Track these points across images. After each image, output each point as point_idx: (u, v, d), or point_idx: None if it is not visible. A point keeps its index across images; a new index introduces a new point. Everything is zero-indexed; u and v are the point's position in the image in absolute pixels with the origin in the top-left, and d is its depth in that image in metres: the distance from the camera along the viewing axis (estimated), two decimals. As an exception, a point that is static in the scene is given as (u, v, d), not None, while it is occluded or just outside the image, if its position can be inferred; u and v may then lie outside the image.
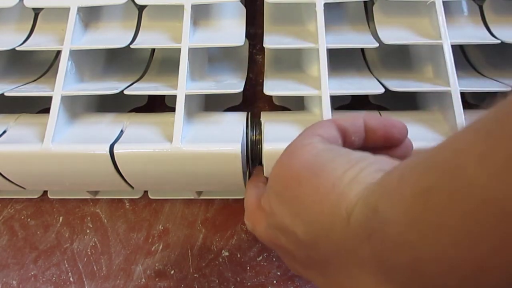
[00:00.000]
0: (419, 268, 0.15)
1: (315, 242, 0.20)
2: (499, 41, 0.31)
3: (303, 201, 0.20)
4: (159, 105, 0.39)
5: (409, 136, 0.28)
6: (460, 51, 0.38)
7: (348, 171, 0.19)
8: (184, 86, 0.30)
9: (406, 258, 0.15)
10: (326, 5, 0.31)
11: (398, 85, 0.31)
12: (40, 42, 0.34)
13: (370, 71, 0.35)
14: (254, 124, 0.31)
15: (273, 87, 0.31)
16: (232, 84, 0.34)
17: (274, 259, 0.33)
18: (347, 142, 0.24)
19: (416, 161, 0.16)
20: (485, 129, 0.13)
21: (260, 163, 0.29)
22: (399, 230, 0.15)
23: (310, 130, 0.23)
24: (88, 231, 0.35)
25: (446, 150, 0.15)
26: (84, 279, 0.33)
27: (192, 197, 0.36)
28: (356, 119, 0.24)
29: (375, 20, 0.33)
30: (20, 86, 0.34)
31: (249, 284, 0.32)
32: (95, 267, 0.33)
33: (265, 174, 0.29)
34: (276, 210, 0.21)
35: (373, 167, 0.19)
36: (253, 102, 0.39)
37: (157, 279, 0.33)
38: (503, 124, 0.13)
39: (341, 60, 0.35)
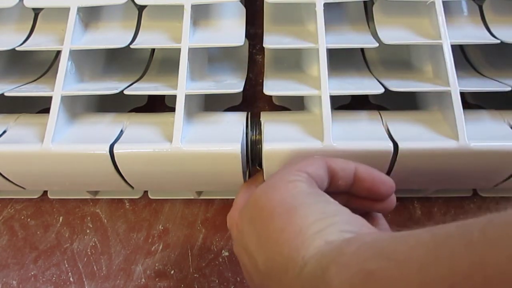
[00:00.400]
0: None
1: (269, 277, 0.20)
2: (499, 41, 0.31)
3: (270, 236, 0.20)
4: (159, 105, 0.39)
5: (409, 136, 0.29)
6: (460, 51, 0.38)
7: (317, 222, 0.20)
8: (184, 86, 0.30)
9: None
10: (326, 5, 0.31)
11: (398, 85, 0.31)
12: (40, 42, 0.34)
13: (370, 71, 0.35)
14: (254, 124, 0.31)
15: (273, 87, 0.31)
16: (232, 84, 0.34)
17: (274, 259, 0.33)
18: (333, 184, 0.24)
19: (374, 242, 0.17)
20: (439, 241, 0.15)
21: (260, 163, 0.29)
22: None
23: (300, 166, 0.23)
24: (88, 231, 0.35)
25: (401, 244, 0.16)
26: (84, 279, 0.33)
27: (192, 197, 0.36)
28: (348, 166, 0.24)
29: (375, 20, 0.33)
30: (20, 86, 0.34)
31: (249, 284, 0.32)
32: (95, 267, 0.33)
33: (264, 176, 0.29)
34: (245, 233, 0.22)
35: (340, 227, 0.19)
36: (253, 102, 0.39)
37: (157, 279, 0.33)
38: (452, 243, 0.15)
39: (341, 60, 0.35)
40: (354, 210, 0.23)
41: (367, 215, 0.26)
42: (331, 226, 0.19)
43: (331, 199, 0.22)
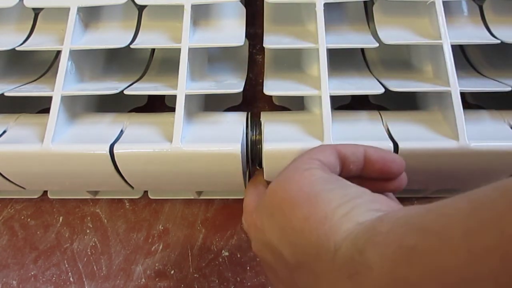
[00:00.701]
0: None
1: (299, 267, 0.20)
2: (499, 41, 0.31)
3: (294, 226, 0.20)
4: (159, 105, 0.39)
5: (409, 136, 0.29)
6: (460, 51, 0.38)
7: (342, 206, 0.19)
8: (184, 86, 0.30)
9: None
10: (326, 5, 0.31)
11: (398, 85, 0.31)
12: (40, 42, 0.34)
13: (370, 71, 0.35)
14: (254, 124, 0.31)
15: (273, 87, 0.31)
16: (232, 84, 0.34)
17: (274, 259, 0.33)
18: (345, 169, 0.24)
19: (408, 216, 0.17)
20: (479, 206, 0.14)
21: (260, 163, 0.29)
22: (381, 279, 0.16)
23: (311, 154, 0.23)
24: (88, 231, 0.35)
25: (437, 214, 0.15)
26: (84, 279, 0.33)
27: (192, 197, 0.36)
28: (357, 149, 0.24)
29: (375, 20, 0.33)
30: (20, 86, 0.34)
31: (249, 284, 0.32)
32: (95, 267, 0.33)
33: (265, 176, 0.29)
34: (266, 228, 0.22)
35: (367, 207, 0.19)
36: (253, 102, 0.39)
37: (157, 279, 0.33)
38: (497, 206, 0.14)
39: (341, 60, 0.35)
40: None
41: None
42: (358, 207, 0.19)
43: (349, 183, 0.21)
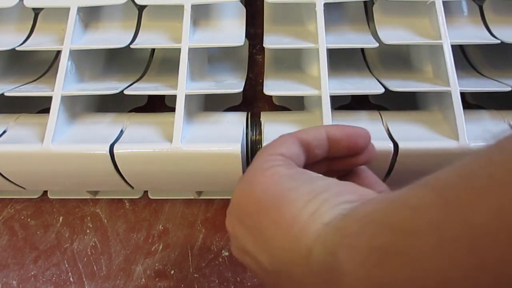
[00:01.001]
0: None
1: (279, 274, 0.19)
2: (499, 41, 0.31)
3: (265, 232, 0.19)
4: (159, 105, 0.39)
5: (409, 136, 0.28)
6: (460, 51, 0.38)
7: (309, 204, 0.19)
8: (184, 86, 0.30)
9: None
10: (326, 5, 0.31)
11: (398, 85, 0.31)
12: (40, 42, 0.34)
13: (370, 71, 0.35)
14: (254, 124, 0.31)
15: (273, 87, 0.31)
16: (232, 84, 0.34)
17: (274, 259, 0.33)
18: (310, 156, 0.23)
19: (375, 212, 0.16)
20: (444, 193, 0.14)
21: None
22: (356, 284, 0.16)
23: (271, 149, 0.22)
24: (88, 231, 0.35)
25: (404, 208, 0.15)
26: (84, 279, 0.33)
27: (192, 197, 0.36)
28: (319, 132, 0.23)
29: (375, 20, 0.33)
30: (20, 86, 0.34)
31: (249, 284, 0.32)
32: (95, 267, 0.33)
33: None
34: (239, 235, 0.21)
35: (334, 201, 0.18)
36: (253, 102, 0.39)
37: (157, 279, 0.33)
38: (460, 191, 0.13)
39: (341, 60, 0.35)
40: (338, 172, 0.21)
41: (351, 173, 0.25)
42: (325, 203, 0.18)
43: (315, 174, 0.21)
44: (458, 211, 0.13)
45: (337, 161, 0.24)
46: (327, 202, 0.18)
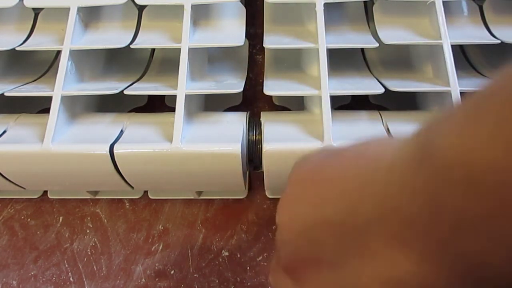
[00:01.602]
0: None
1: (345, 220, 0.16)
2: (499, 41, 0.31)
3: (330, 178, 0.17)
4: (159, 105, 0.39)
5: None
6: (460, 51, 0.38)
7: (376, 145, 0.16)
8: (184, 86, 0.30)
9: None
10: (326, 5, 0.31)
11: (398, 85, 0.31)
12: (40, 42, 0.34)
13: (370, 71, 0.35)
14: (254, 124, 0.31)
15: (273, 87, 0.31)
16: (232, 84, 0.34)
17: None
18: None
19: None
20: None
21: (260, 163, 0.29)
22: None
23: None
24: (88, 231, 0.35)
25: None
26: (84, 279, 0.33)
27: (192, 197, 0.36)
28: None
29: (375, 20, 0.33)
30: (20, 86, 0.34)
31: (249, 284, 0.32)
32: (95, 267, 0.33)
33: (265, 176, 0.29)
34: (291, 215, 0.18)
35: None
36: (253, 102, 0.39)
37: (157, 279, 0.33)
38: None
39: (341, 60, 0.35)
40: None
41: None
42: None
43: None
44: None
45: None
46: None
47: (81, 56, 0.33)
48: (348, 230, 0.16)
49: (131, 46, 0.32)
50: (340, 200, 0.16)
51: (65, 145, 0.29)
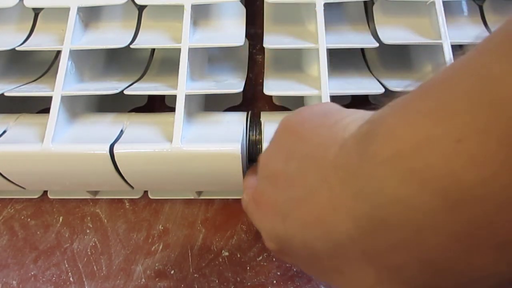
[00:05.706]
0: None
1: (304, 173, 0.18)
2: (499, 41, 0.31)
3: (304, 137, 0.19)
4: (159, 105, 0.39)
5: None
6: (460, 51, 0.38)
7: (351, 115, 0.20)
8: (184, 86, 0.30)
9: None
10: (326, 5, 0.31)
11: (398, 85, 0.31)
12: (40, 42, 0.34)
13: (370, 71, 0.35)
14: (254, 124, 0.31)
15: (273, 87, 0.31)
16: (232, 84, 0.34)
17: (274, 259, 0.33)
18: None
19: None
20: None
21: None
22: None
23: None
24: (88, 231, 0.35)
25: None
26: (84, 279, 0.33)
27: (192, 197, 0.36)
28: None
29: (375, 20, 0.33)
30: (20, 86, 0.34)
31: (249, 284, 0.32)
32: (95, 267, 0.33)
33: None
34: (272, 158, 0.21)
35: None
36: (253, 102, 0.39)
37: (157, 279, 0.33)
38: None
39: (341, 60, 0.35)
40: None
41: None
42: (363, 117, 0.19)
43: None
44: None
45: None
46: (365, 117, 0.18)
47: (81, 56, 0.33)
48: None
49: (131, 46, 0.32)
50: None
51: (65, 145, 0.29)
